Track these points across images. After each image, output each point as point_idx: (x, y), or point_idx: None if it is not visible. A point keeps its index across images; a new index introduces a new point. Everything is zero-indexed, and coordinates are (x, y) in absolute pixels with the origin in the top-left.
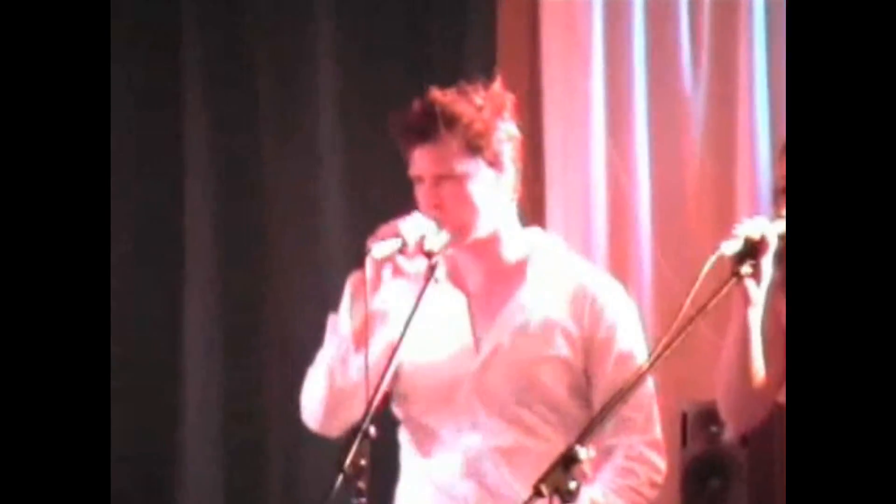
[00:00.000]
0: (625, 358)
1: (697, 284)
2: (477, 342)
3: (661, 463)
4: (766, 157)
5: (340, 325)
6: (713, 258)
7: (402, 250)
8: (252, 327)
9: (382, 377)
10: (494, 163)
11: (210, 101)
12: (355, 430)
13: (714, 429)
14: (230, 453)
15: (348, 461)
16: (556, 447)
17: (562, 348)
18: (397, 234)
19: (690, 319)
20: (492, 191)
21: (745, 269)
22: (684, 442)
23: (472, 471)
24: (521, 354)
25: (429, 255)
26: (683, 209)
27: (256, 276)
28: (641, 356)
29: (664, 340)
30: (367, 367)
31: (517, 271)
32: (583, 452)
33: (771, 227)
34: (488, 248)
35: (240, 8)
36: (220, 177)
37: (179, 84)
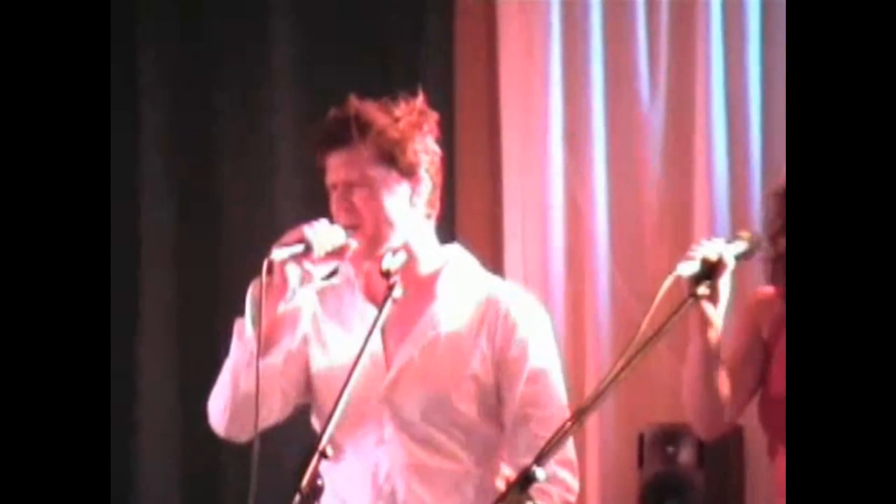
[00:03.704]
0: (537, 374)
1: (654, 305)
2: (388, 357)
3: (574, 482)
4: (724, 174)
5: (246, 329)
6: (669, 279)
7: (306, 255)
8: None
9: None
10: (409, 174)
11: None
12: (312, 450)
13: (671, 449)
14: (185, 474)
15: (305, 481)
16: (466, 466)
17: (473, 365)
18: (301, 239)
19: (647, 340)
20: (405, 202)
21: (702, 290)
22: (641, 463)
23: (383, 489)
24: (432, 371)
25: (386, 274)
26: (641, 227)
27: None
28: (555, 371)
29: (621, 361)
30: (283, 369)
31: (429, 286)
32: (540, 473)
33: (727, 249)
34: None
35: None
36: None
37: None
